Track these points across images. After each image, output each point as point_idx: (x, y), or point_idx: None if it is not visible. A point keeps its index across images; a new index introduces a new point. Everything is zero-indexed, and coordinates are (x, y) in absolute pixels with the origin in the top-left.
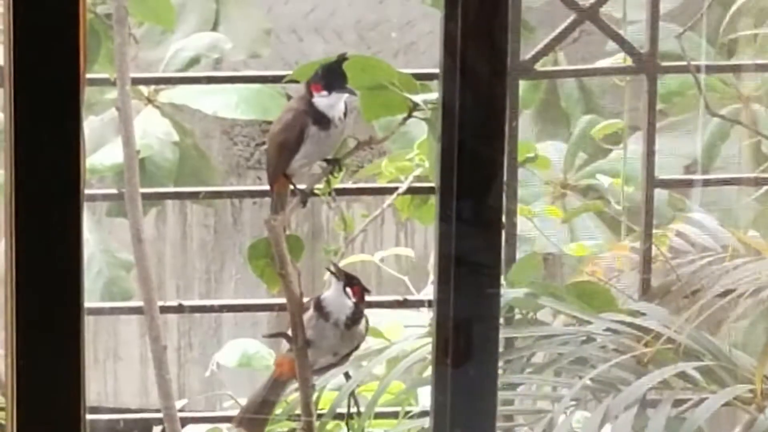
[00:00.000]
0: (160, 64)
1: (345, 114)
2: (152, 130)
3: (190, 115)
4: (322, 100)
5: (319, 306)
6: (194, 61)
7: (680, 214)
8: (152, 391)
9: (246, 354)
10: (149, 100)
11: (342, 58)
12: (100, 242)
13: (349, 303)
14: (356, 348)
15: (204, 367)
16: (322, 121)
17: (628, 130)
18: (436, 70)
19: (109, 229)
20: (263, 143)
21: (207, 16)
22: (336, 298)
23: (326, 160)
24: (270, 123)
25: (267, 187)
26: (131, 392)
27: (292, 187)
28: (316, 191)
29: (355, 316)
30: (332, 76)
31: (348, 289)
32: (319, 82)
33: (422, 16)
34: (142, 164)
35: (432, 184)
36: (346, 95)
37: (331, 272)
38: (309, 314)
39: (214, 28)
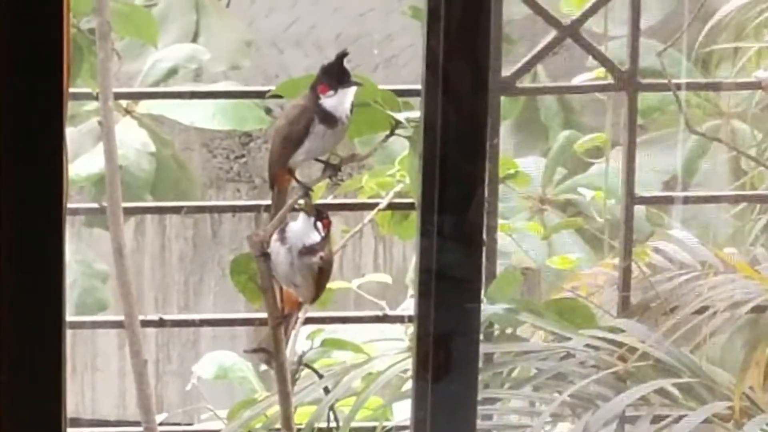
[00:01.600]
0: (140, 76)
1: (351, 110)
2: (129, 140)
3: (170, 128)
4: (329, 100)
5: (282, 231)
6: (172, 72)
7: (659, 230)
8: (130, 403)
9: (223, 366)
10: (127, 111)
11: (342, 54)
12: (76, 252)
13: (317, 237)
14: (317, 284)
15: (182, 380)
16: (330, 120)
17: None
18: (418, 86)
19: (85, 238)
20: (242, 156)
21: (187, 27)
22: (302, 229)
23: (324, 164)
24: (249, 135)
25: (249, 202)
26: (109, 404)
27: (294, 181)
28: (296, 206)
29: (314, 248)
30: (335, 73)
31: (318, 224)
32: (324, 82)
33: (403, 30)
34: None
35: (412, 200)
36: (353, 89)
37: (302, 210)
38: (273, 237)
39: (195, 40)
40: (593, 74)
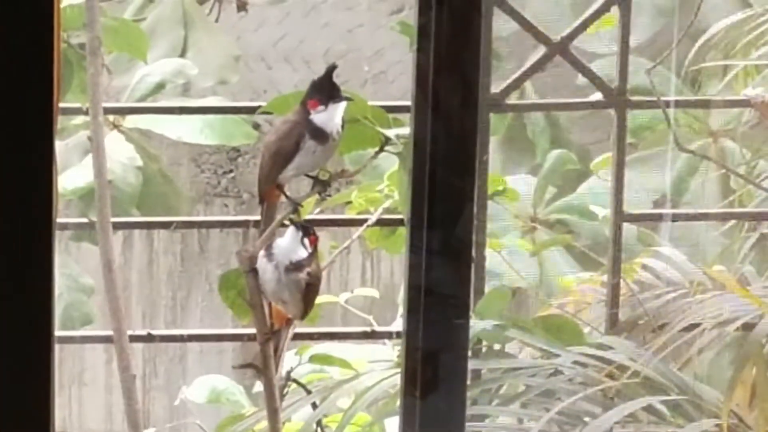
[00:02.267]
0: (127, 91)
1: (342, 126)
2: (116, 154)
3: (158, 143)
4: (319, 116)
5: (269, 247)
6: (160, 87)
7: (648, 249)
8: (117, 417)
9: (215, 390)
10: (114, 125)
11: (332, 68)
12: (62, 266)
13: (305, 253)
14: (305, 300)
15: (169, 394)
16: (320, 135)
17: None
18: (407, 102)
19: (72, 252)
20: (230, 171)
21: (175, 42)
22: (289, 245)
23: (313, 179)
24: (237, 150)
25: (237, 217)
26: (96, 419)
27: (283, 196)
28: (285, 222)
29: (301, 264)
30: (325, 88)
31: (306, 240)
32: (314, 98)
33: (391, 46)
34: None
35: (400, 216)
36: (343, 104)
37: (293, 223)
38: (260, 254)
39: (183, 55)
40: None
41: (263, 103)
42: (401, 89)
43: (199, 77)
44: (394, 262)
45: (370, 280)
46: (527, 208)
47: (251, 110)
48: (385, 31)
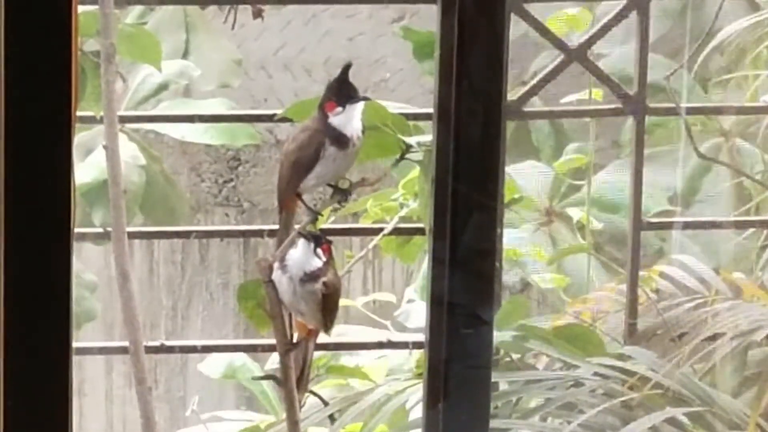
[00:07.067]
0: (129, 92)
1: (363, 131)
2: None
3: (158, 151)
4: (338, 118)
5: (283, 259)
6: (162, 88)
7: (664, 255)
8: (117, 428)
9: (232, 366)
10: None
11: (347, 67)
12: None
13: (319, 263)
14: (323, 311)
15: (169, 404)
16: (341, 140)
17: (595, 167)
18: (424, 110)
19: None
20: (231, 180)
21: (177, 46)
22: (302, 256)
23: (333, 188)
24: (238, 159)
25: (248, 227)
26: (97, 429)
27: (302, 205)
28: (302, 232)
29: (316, 274)
30: (342, 88)
31: (319, 250)
32: (331, 99)
33: (392, 54)
34: (106, 188)
35: (416, 225)
36: (361, 104)
37: (303, 236)
38: (275, 266)
39: (185, 58)
40: (584, 94)
41: (265, 111)
42: (402, 97)
43: (202, 80)
44: (395, 270)
45: (371, 289)
46: (543, 200)
47: (261, 118)
48: (386, 39)
